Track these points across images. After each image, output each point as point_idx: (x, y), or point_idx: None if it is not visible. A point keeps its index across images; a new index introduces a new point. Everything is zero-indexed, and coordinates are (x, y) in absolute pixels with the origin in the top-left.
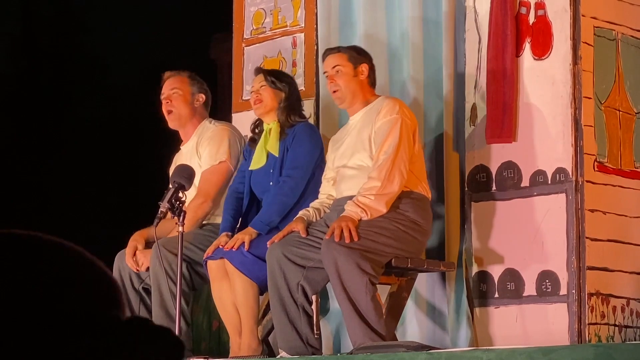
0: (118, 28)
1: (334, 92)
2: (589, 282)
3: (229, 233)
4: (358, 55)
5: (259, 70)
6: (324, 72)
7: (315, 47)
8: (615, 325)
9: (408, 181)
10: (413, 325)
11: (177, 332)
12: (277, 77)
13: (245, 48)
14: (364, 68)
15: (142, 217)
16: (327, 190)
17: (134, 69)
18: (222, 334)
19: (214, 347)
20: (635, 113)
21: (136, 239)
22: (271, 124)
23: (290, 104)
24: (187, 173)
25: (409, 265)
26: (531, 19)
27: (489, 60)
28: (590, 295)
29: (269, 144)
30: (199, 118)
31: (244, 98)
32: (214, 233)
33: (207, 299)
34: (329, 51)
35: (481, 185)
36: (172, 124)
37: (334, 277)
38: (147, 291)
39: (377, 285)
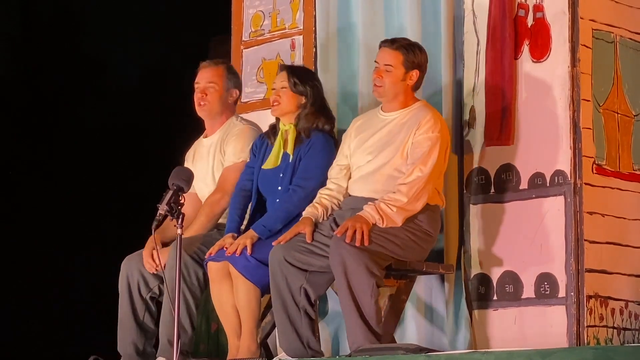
0: (118, 28)
1: (377, 85)
2: (588, 284)
3: (235, 234)
4: (414, 60)
5: (283, 68)
6: (375, 61)
7: (314, 50)
8: (613, 327)
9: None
10: (412, 327)
11: (176, 336)
12: (300, 79)
13: (243, 50)
14: (414, 74)
15: (142, 218)
16: (337, 179)
17: (133, 70)
18: (220, 336)
19: (213, 349)
20: (634, 115)
21: (153, 242)
22: (288, 126)
23: (313, 112)
24: (185, 175)
25: (408, 268)
26: (530, 21)
27: (487, 62)
28: (589, 297)
29: (289, 147)
30: (228, 114)
31: (242, 100)
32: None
33: (206, 301)
34: (388, 43)
35: (480, 188)
36: (201, 114)
37: (340, 277)
38: (153, 299)
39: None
